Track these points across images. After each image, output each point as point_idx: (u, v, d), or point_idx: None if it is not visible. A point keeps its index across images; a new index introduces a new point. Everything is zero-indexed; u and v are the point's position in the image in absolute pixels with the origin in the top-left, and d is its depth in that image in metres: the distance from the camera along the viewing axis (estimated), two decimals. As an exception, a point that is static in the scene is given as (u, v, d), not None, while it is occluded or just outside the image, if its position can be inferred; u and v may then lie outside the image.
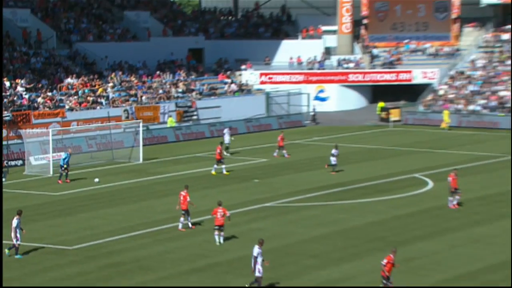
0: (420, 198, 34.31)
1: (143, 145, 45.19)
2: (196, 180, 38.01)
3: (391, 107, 61.07)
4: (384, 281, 21.30)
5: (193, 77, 61.46)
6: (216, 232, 26.89)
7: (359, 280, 23.32)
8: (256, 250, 21.94)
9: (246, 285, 22.12)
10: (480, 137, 53.00)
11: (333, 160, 39.62)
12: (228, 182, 38.39)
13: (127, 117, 52.00)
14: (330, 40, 68.71)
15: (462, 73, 64.35)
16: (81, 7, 62.93)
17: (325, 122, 60.51)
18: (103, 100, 53.04)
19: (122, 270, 24.44)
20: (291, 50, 67.83)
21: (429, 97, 62.08)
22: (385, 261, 21.30)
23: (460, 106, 59.73)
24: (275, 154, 45.19)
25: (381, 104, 62.09)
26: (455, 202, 31.75)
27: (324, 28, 69.71)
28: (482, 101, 59.69)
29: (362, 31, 70.33)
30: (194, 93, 58.60)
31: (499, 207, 32.35)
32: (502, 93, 59.90)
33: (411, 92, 64.08)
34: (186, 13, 76.74)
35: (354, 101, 66.72)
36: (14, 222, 25.58)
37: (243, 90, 62.18)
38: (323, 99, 65.41)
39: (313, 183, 37.51)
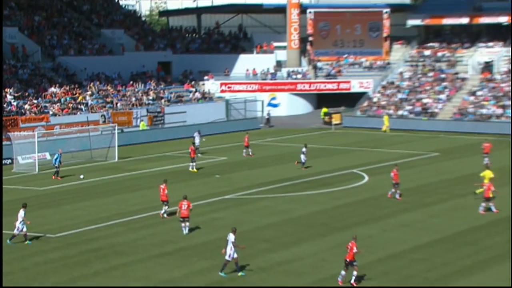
0: (357, 190, 34.64)
1: (118, 146, 44.72)
2: (165, 176, 37.61)
3: (333, 112, 61.54)
4: (346, 266, 21.10)
5: (162, 86, 61.09)
6: (182, 224, 26.67)
7: (306, 261, 23.45)
8: (232, 236, 21.84)
9: (239, 274, 21.85)
10: (407, 137, 53.76)
11: (303, 157, 39.66)
12: (193, 177, 38.26)
13: (104, 121, 51.45)
14: (281, 55, 68.98)
15: (392, 83, 65.22)
16: (63, 26, 62.10)
17: (277, 125, 60.71)
18: (82, 107, 52.41)
19: (100, 255, 24.20)
20: (247, 63, 67.86)
21: (365, 103, 62.76)
22: (355, 249, 20.96)
23: (391, 111, 60.51)
24: (250, 153, 44.87)
25: (324, 109, 62.58)
26: (397, 196, 32.06)
27: (275, 44, 70.02)
28: (409, 107, 60.58)
29: (308, 47, 70.71)
30: (163, 100, 58.25)
31: (424, 197, 32.89)
32: (425, 100, 60.90)
33: (350, 99, 64.63)
34: (155, 31, 76.15)
35: (302, 107, 67.05)
36: (21, 213, 25.26)
37: (206, 97, 62.02)
38: (275, 105, 65.56)
39: (266, 178, 37.57)
